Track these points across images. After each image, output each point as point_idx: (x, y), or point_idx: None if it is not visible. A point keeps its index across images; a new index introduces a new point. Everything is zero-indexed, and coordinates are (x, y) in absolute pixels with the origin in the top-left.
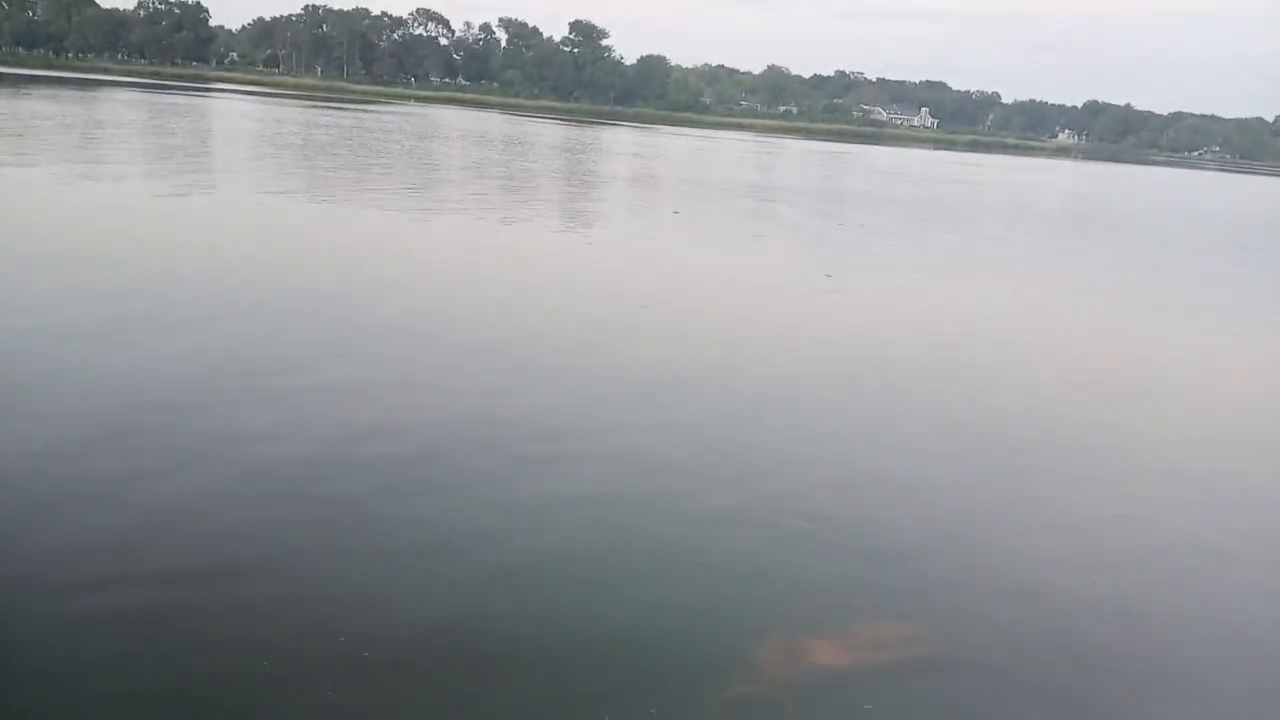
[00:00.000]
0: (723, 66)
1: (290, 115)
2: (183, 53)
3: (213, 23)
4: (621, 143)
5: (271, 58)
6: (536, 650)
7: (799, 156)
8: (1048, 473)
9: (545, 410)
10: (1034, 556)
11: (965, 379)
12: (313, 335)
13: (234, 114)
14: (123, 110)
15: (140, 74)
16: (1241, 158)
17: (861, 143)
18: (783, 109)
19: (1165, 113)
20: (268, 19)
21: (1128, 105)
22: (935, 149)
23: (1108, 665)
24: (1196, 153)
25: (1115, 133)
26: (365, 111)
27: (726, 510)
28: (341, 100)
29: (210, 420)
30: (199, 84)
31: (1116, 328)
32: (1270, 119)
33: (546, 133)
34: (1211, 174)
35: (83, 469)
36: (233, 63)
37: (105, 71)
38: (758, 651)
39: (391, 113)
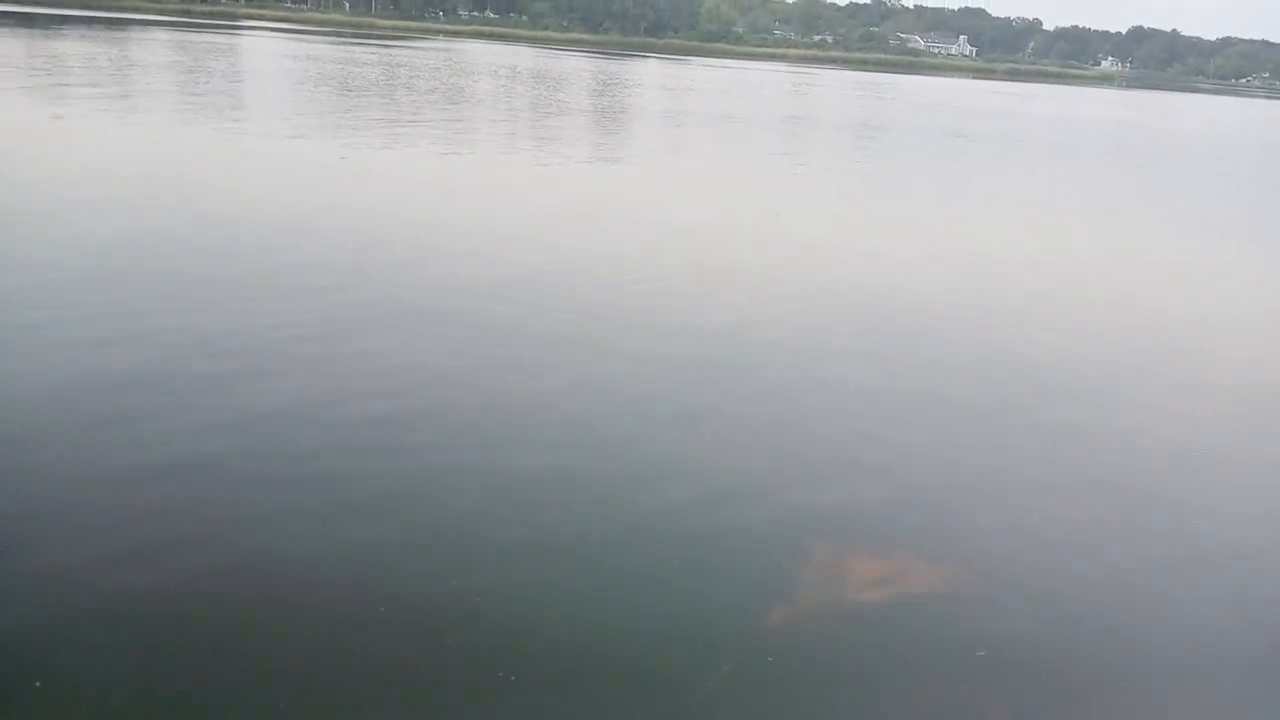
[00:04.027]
0: None
1: (327, 53)
2: None
3: None
4: (671, 77)
5: None
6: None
7: (835, 89)
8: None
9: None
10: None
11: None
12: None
13: (275, 53)
14: (165, 51)
15: (171, 11)
16: None
17: (899, 72)
18: (817, 38)
19: (1213, 38)
20: None
21: (1174, 31)
22: (973, 78)
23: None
24: (1244, 80)
25: (1161, 60)
26: (396, 48)
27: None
28: (370, 37)
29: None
30: (229, 21)
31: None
32: None
33: (584, 67)
34: (1260, 101)
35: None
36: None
37: (135, 10)
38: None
39: (425, 48)
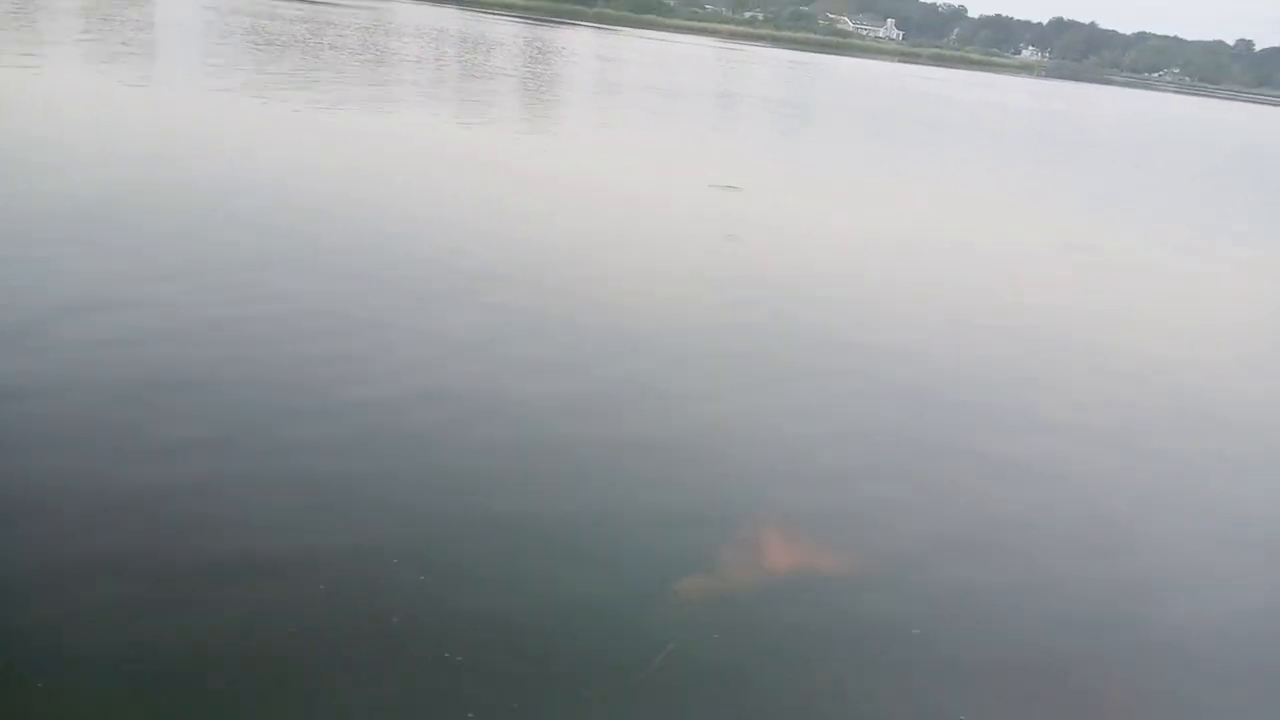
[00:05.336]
0: None
1: (249, 6)
2: None
3: None
4: (607, 47)
5: None
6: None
7: (766, 68)
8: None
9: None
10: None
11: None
12: None
13: (195, 3)
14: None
15: None
16: (1201, 80)
17: (827, 53)
18: (748, 14)
19: (1129, 32)
20: None
21: (1092, 24)
22: (900, 62)
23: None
24: (1157, 74)
25: (1079, 51)
26: (322, 4)
27: None
28: None
29: None
30: None
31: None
32: (1232, 43)
33: (518, 33)
34: (1168, 96)
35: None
36: None
37: None
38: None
39: (353, 6)
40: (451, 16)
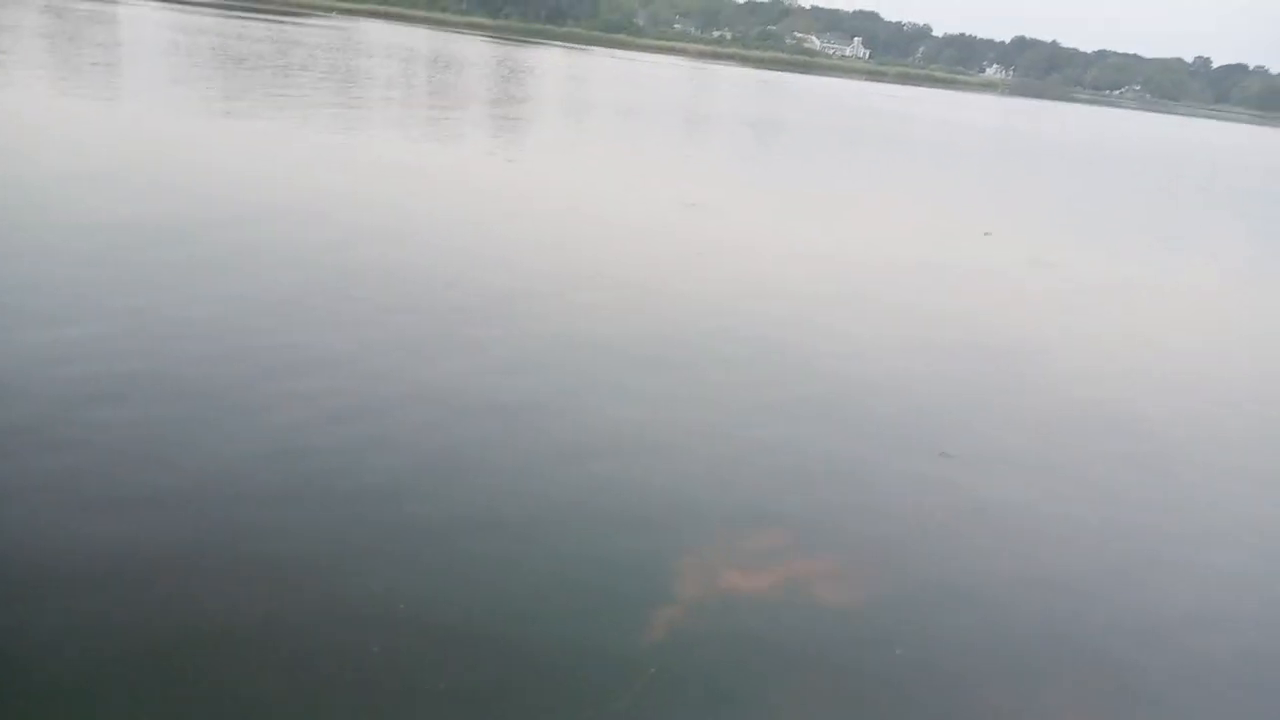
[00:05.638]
0: None
1: (212, 26)
2: None
3: None
4: (581, 66)
5: None
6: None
7: (733, 85)
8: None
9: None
10: None
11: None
12: None
13: (162, 24)
14: (40, 18)
15: None
16: (1161, 97)
17: (796, 71)
18: (717, 34)
19: (1090, 50)
20: None
21: (1054, 42)
22: (866, 80)
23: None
24: (1118, 91)
25: (1041, 69)
26: (289, 24)
27: None
28: (261, 11)
29: None
30: None
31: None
32: (1190, 60)
33: (491, 53)
34: (1130, 112)
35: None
36: None
37: None
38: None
39: (320, 25)
40: (422, 36)
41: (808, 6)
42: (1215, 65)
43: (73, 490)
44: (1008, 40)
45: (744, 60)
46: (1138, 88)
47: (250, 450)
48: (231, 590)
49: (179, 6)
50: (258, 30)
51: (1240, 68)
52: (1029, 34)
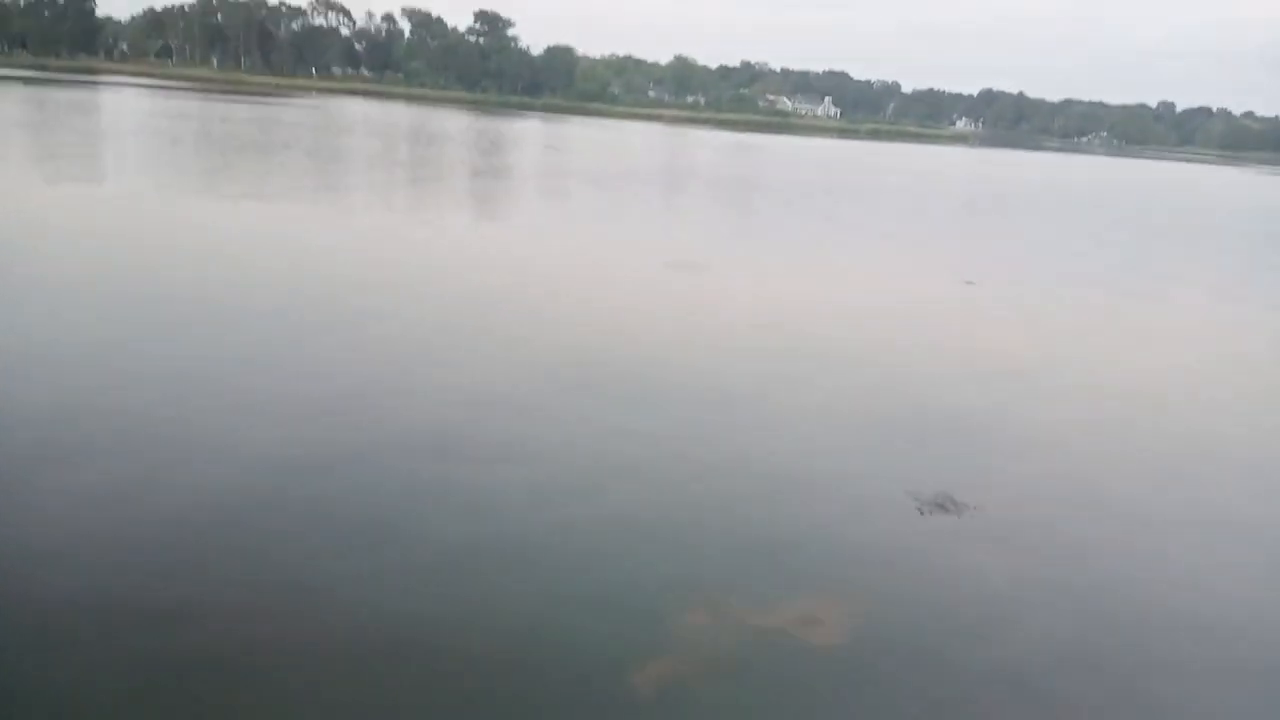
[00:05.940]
0: (630, 57)
1: (199, 110)
2: (69, 44)
3: (99, 13)
4: (559, 135)
5: (164, 49)
6: None
7: (710, 148)
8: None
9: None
10: None
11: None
12: None
13: (143, 110)
14: (21, 107)
15: (24, 65)
16: (1127, 143)
17: (770, 133)
18: (690, 99)
19: (1056, 99)
20: (158, 9)
21: (1020, 93)
22: (839, 138)
23: None
24: (1085, 138)
25: (1009, 120)
26: (270, 104)
27: None
28: (241, 92)
29: None
30: (89, 76)
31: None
32: (1154, 104)
33: (476, 126)
34: (1098, 158)
35: None
36: (123, 54)
37: None
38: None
39: (301, 104)
40: (401, 111)
41: (778, 70)
42: (1180, 109)
43: None
44: (975, 93)
45: (719, 124)
46: (1104, 134)
47: None
48: None
49: (157, 89)
50: (240, 112)
51: (1204, 110)
52: (995, 86)
